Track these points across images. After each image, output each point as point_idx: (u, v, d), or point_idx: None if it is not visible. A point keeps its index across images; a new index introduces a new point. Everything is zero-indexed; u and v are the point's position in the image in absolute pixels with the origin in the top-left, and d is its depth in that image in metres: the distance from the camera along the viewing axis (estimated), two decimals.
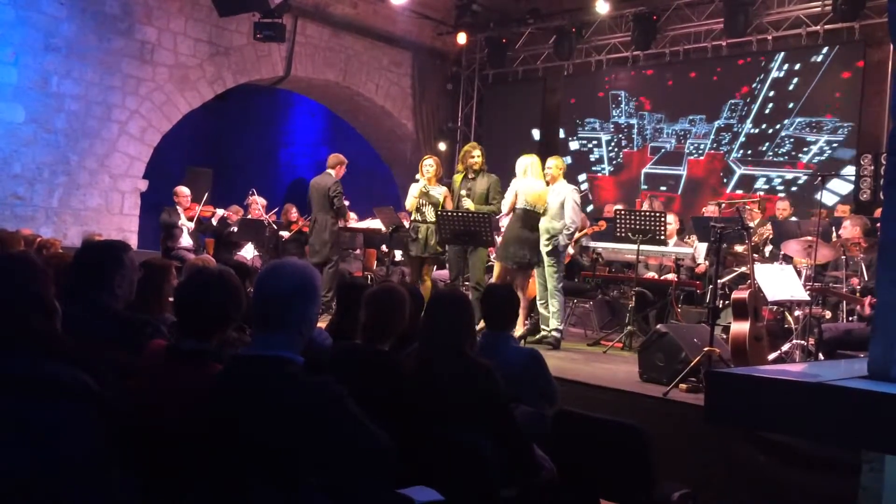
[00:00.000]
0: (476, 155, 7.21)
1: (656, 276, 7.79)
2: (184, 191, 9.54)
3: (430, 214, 7.45)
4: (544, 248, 6.84)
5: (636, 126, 11.54)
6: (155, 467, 2.18)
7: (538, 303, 7.02)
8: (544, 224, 6.88)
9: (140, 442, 2.18)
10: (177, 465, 2.15)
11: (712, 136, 10.74)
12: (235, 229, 9.68)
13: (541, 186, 6.86)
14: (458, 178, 7.37)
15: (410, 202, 7.54)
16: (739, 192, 10.24)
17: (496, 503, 2.75)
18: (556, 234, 6.81)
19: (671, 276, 7.70)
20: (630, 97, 11.64)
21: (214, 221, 9.64)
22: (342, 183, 8.35)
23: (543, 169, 6.98)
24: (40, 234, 7.95)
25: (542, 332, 6.97)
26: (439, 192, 7.58)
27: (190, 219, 9.37)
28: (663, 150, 11.25)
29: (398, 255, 9.52)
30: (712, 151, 10.74)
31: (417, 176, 7.61)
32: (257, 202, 9.99)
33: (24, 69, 9.39)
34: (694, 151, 10.93)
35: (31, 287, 1.99)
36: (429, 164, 7.61)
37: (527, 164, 6.95)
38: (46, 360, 1.92)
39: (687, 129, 11.02)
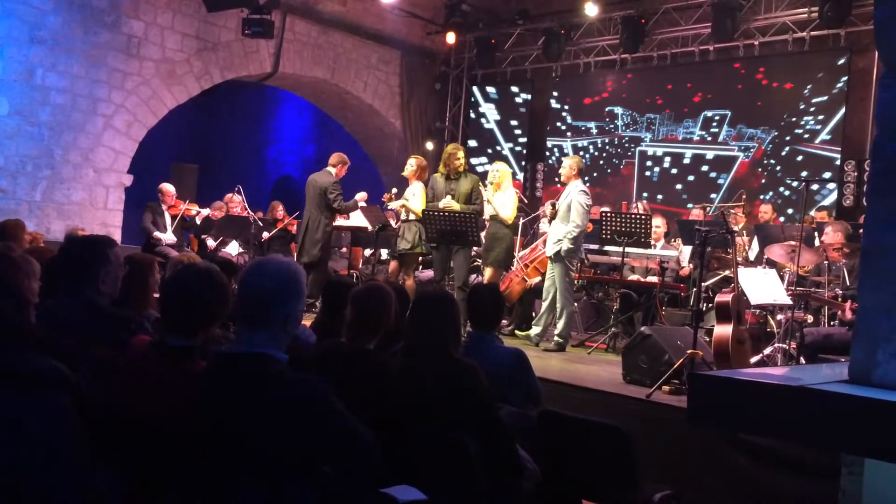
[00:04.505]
0: (461, 157, 7.29)
1: (640, 279, 7.81)
2: (169, 189, 9.44)
3: (402, 213, 7.67)
4: (550, 252, 6.79)
5: (623, 129, 11.60)
6: (141, 464, 2.17)
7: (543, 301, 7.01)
8: (552, 227, 6.87)
9: (126, 438, 2.17)
10: (162, 462, 2.14)
11: (696, 138, 10.82)
12: (216, 230, 9.61)
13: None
14: (438, 178, 7.37)
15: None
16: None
17: (480, 503, 2.76)
18: (561, 238, 6.68)
19: (654, 279, 7.72)
20: (618, 103, 11.70)
21: (198, 220, 9.59)
22: (342, 184, 8.29)
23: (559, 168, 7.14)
24: None
25: (534, 329, 6.99)
26: (414, 189, 7.67)
27: (173, 217, 9.30)
28: (649, 153, 11.33)
29: (384, 253, 9.52)
30: (701, 154, 10.82)
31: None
32: (234, 199, 9.94)
33: (9, 61, 9.30)
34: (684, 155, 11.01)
35: (6, 279, 1.97)
36: (409, 164, 7.74)
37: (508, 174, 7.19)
38: (19, 350, 1.90)
39: (674, 133, 11.08)
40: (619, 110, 11.66)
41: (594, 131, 11.91)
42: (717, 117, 10.62)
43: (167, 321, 2.48)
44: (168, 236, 9.15)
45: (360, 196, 8.28)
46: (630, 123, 11.53)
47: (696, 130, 10.82)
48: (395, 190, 7.91)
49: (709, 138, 10.67)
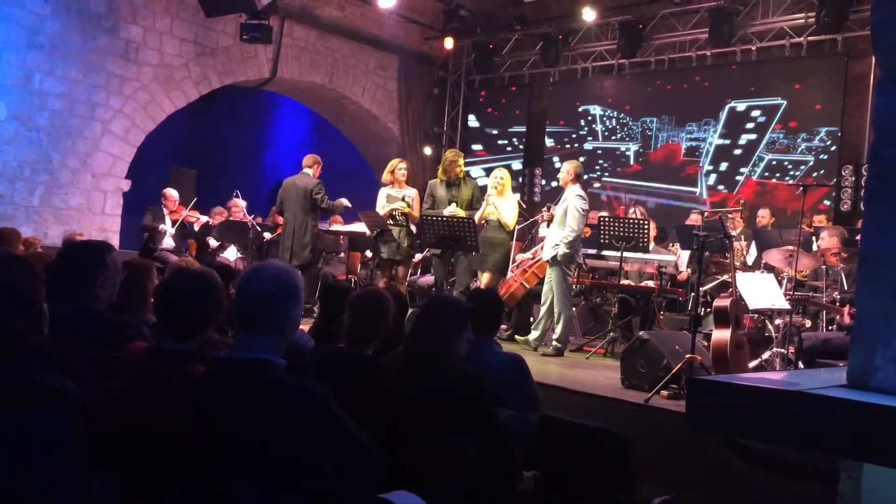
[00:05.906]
0: (461, 163, 7.37)
1: (632, 283, 7.80)
2: (172, 193, 9.49)
3: (400, 217, 7.60)
4: (547, 256, 6.78)
5: (615, 135, 11.61)
6: (139, 469, 2.16)
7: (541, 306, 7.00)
8: (549, 231, 6.89)
9: (124, 444, 2.16)
10: (160, 466, 2.14)
11: (692, 145, 10.83)
12: (216, 234, 9.62)
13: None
14: (438, 185, 7.38)
15: (381, 207, 7.70)
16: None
17: None
18: (558, 242, 6.65)
19: (651, 283, 7.72)
20: (613, 106, 11.71)
21: (196, 227, 9.59)
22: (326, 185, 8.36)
23: (557, 174, 7.10)
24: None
25: (533, 334, 6.98)
26: (410, 194, 7.65)
27: (174, 222, 9.32)
28: (643, 159, 11.34)
29: None
30: (694, 159, 10.83)
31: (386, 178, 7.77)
32: (238, 204, 9.96)
33: (7, 66, 9.30)
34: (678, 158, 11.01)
35: (22, 290, 1.94)
36: (402, 168, 7.74)
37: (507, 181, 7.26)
38: (30, 366, 1.88)
39: (671, 137, 11.09)
40: (615, 114, 11.67)
41: (585, 134, 11.93)
42: (738, 114, 10.48)
43: (163, 325, 2.48)
44: (168, 239, 9.17)
45: (343, 201, 8.32)
46: (621, 128, 11.53)
47: (708, 137, 10.77)
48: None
49: (727, 144, 10.61)
